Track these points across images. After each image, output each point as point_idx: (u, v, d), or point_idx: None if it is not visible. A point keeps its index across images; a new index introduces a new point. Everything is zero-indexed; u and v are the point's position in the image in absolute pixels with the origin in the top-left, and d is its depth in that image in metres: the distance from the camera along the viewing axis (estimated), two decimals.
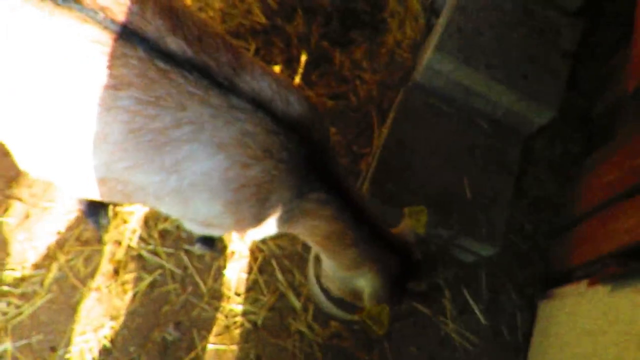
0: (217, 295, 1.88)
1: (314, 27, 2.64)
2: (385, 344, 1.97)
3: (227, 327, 1.84)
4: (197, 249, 1.90)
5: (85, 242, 1.90)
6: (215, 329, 1.83)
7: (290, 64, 2.52)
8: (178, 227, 1.96)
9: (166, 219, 1.97)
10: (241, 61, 1.14)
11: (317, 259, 1.77)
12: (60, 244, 1.89)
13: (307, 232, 1.35)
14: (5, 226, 1.88)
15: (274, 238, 1.98)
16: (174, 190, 1.16)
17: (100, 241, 1.90)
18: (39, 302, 1.78)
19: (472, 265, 2.19)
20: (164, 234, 1.95)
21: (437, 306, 2.07)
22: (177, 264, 1.91)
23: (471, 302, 2.09)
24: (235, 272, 1.93)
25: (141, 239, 1.92)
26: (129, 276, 1.86)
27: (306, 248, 2.02)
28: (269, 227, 1.32)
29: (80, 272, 1.85)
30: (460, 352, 2.04)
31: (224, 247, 1.94)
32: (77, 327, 1.77)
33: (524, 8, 2.27)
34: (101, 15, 1.01)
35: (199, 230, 1.46)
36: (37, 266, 1.84)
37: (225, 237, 1.95)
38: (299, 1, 2.68)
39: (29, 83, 1.03)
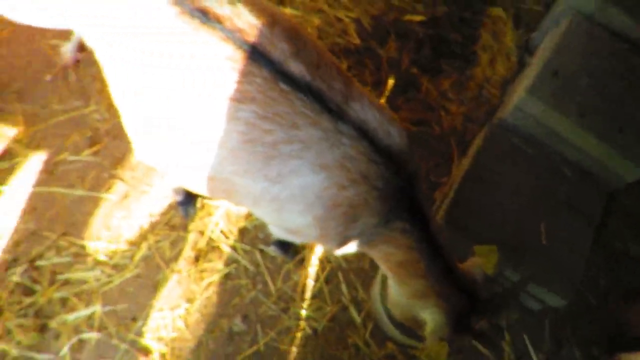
0: (283, 297, 1.99)
1: (405, 52, 2.71)
2: None
3: (289, 329, 1.94)
4: (272, 250, 2.03)
5: (173, 227, 2.08)
6: (278, 328, 1.93)
7: (379, 86, 2.61)
8: (256, 227, 2.10)
9: (247, 217, 2.11)
10: (352, 90, 1.24)
11: (385, 280, 1.84)
12: (152, 226, 2.08)
13: (383, 257, 1.42)
14: (107, 202, 2.10)
15: None
16: (273, 198, 1.27)
17: (186, 229, 2.07)
18: (127, 274, 1.97)
19: (537, 312, 2.15)
20: (243, 231, 2.09)
21: (496, 349, 2.07)
22: (251, 261, 2.04)
23: (531, 350, 2.07)
24: (303, 278, 2.03)
25: (222, 232, 2.08)
26: (207, 265, 2.02)
27: (373, 265, 2.08)
28: (349, 246, 1.40)
29: (165, 254, 2.02)
30: None
31: (296, 253, 2.05)
32: (157, 304, 1.94)
33: (626, 60, 2.22)
34: (237, 35, 1.15)
35: (281, 234, 1.58)
36: (129, 242, 2.04)
37: (299, 245, 2.06)
38: (393, 26, 2.77)
39: (167, 85, 1.19)
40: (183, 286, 1.97)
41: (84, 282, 1.95)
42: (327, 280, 2.04)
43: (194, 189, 1.43)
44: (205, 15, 1.16)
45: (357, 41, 2.69)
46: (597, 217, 2.13)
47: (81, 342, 1.86)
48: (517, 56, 2.88)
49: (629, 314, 2.16)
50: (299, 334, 1.93)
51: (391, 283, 1.60)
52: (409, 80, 2.66)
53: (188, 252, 2.03)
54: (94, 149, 2.20)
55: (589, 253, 2.05)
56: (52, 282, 1.94)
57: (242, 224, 2.10)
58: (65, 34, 2.34)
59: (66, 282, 1.94)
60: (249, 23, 1.18)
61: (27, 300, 1.90)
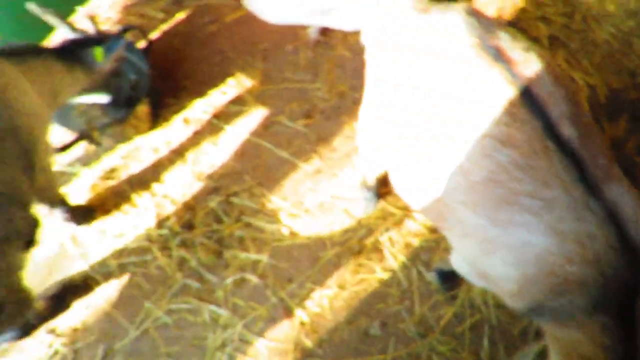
0: (425, 323, 2.02)
1: (634, 136, 2.51)
2: None
3: (419, 355, 1.96)
4: (431, 276, 2.06)
5: (348, 215, 2.22)
6: (409, 349, 1.97)
7: None
8: (423, 248, 2.14)
9: (417, 235, 2.16)
10: (613, 170, 1.20)
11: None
12: (330, 206, 2.24)
13: (565, 342, 1.36)
14: (301, 170, 2.30)
15: (499, 306, 2.01)
16: (487, 239, 1.29)
17: (359, 222, 2.20)
18: (297, 240, 2.16)
19: None
20: (408, 246, 2.15)
21: None
22: (407, 277, 2.09)
23: None
24: (450, 315, 2.03)
25: (389, 239, 2.16)
26: (366, 262, 2.12)
27: (522, 335, 2.00)
28: (536, 314, 1.37)
29: (334, 236, 2.17)
30: None
31: (452, 289, 2.05)
32: (312, 276, 2.10)
33: None
34: (522, 81, 1.18)
35: (463, 270, 1.59)
36: (307, 212, 2.23)
37: (459, 282, 2.05)
38: (631, 106, 2.57)
39: (437, 104, 1.27)
40: (339, 271, 2.10)
41: (262, 231, 2.18)
42: (472, 328, 2.01)
43: (410, 200, 1.51)
44: (498, 54, 1.21)
45: (585, 108, 2.56)
46: None
47: (242, 280, 2.09)
48: None
49: None
50: None
51: None
52: (627, 165, 2.45)
53: (354, 243, 2.15)
54: (307, 121, 2.42)
55: None
56: (237, 220, 2.20)
57: (410, 238, 2.15)
58: None
59: (248, 225, 2.19)
60: (536, 74, 1.20)
61: (215, 226, 2.19)
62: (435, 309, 2.05)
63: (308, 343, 1.98)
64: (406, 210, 2.18)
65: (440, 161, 1.30)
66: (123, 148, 2.36)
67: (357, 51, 2.59)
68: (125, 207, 2.24)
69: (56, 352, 1.96)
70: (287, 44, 2.62)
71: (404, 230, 2.18)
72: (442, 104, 1.26)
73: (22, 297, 1.56)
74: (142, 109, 2.25)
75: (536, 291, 1.28)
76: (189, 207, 2.23)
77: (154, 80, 2.26)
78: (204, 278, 2.09)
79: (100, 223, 2.21)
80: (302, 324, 2.02)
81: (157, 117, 2.41)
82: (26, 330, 1.91)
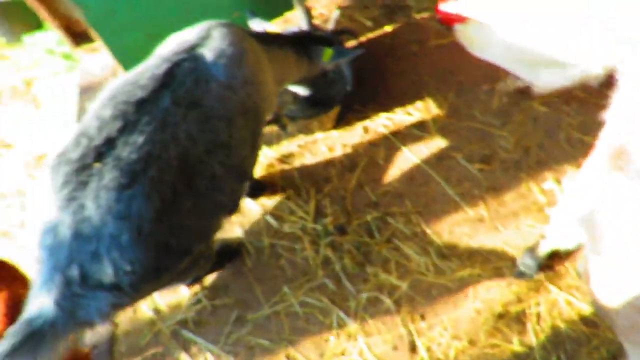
0: None
1: None
2: None
3: None
4: None
5: (499, 274, 2.13)
6: None
7: None
8: (570, 337, 1.99)
9: (568, 321, 2.01)
10: None
11: None
12: (482, 262, 2.18)
13: None
14: (464, 212, 2.26)
15: None
16: None
17: (510, 283, 2.10)
18: (441, 281, 2.13)
19: None
20: (554, 328, 2.01)
21: None
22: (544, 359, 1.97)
23: None
24: None
25: (536, 314, 2.04)
26: (505, 329, 2.02)
27: None
28: None
29: (479, 290, 2.11)
30: None
31: None
32: (446, 322, 2.06)
33: None
34: None
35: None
36: (458, 258, 2.18)
37: None
38: None
39: None
40: (474, 326, 2.03)
41: (408, 258, 2.18)
42: None
43: (594, 286, 1.40)
44: None
45: None
46: None
47: (377, 299, 2.12)
48: None
49: None
50: None
51: None
52: None
53: (498, 305, 2.07)
54: (483, 166, 2.36)
55: None
56: (388, 240, 2.23)
57: (559, 322, 2.01)
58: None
59: (396, 248, 2.21)
60: None
61: (365, 238, 2.24)
62: None
63: None
64: (565, 291, 2.04)
65: None
66: (303, 138, 2.51)
67: (555, 108, 2.47)
68: (290, 192, 2.38)
69: (199, 301, 2.16)
70: (485, 83, 2.57)
71: (555, 312, 2.04)
72: None
73: (210, 253, 1.75)
74: (334, 109, 2.37)
75: None
76: (347, 212, 2.31)
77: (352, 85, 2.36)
78: (341, 283, 2.16)
79: (265, 200, 2.38)
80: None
81: (342, 119, 2.52)
82: (195, 280, 2.14)
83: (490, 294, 2.09)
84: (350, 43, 2.72)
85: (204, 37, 1.58)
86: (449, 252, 2.19)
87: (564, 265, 2.11)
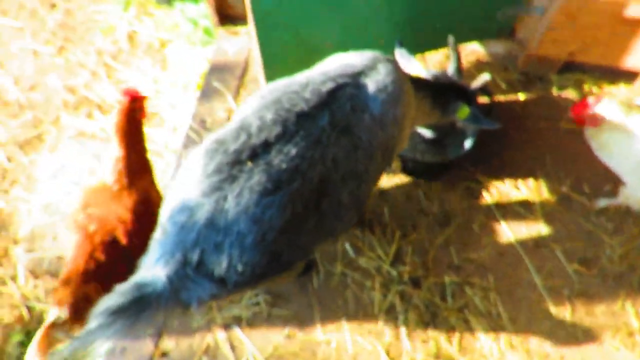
0: None
1: None
2: None
3: None
4: None
5: None
6: None
7: None
8: None
9: None
10: None
11: None
12: None
13: None
14: (544, 305, 2.13)
15: None
16: None
17: None
18: None
19: None
20: None
21: None
22: None
23: None
24: None
25: None
26: None
27: None
28: None
29: None
30: None
31: None
32: None
33: None
34: None
35: None
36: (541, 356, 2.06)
37: None
38: None
39: None
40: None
41: (475, 336, 2.08)
42: None
43: None
44: None
45: None
46: None
47: None
48: None
49: None
50: None
51: None
52: None
53: None
54: (581, 268, 2.21)
55: None
56: (459, 310, 2.14)
57: None
58: None
59: (466, 321, 2.11)
60: None
61: (437, 300, 2.15)
62: None
63: None
64: None
65: None
66: (402, 177, 2.47)
67: None
68: (377, 227, 2.34)
69: (258, 304, 2.17)
70: (607, 183, 2.41)
71: None
72: None
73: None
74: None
75: None
76: (426, 266, 2.24)
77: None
78: (399, 336, 2.09)
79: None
80: None
81: (448, 172, 2.46)
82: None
83: None
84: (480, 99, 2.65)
85: (370, 68, 1.59)
86: (519, 345, 2.06)
87: None
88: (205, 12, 3.01)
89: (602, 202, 2.32)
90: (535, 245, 2.28)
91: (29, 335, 2.27)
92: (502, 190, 2.42)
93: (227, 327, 2.12)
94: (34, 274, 2.42)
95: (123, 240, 1.68)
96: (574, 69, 2.71)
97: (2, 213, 2.63)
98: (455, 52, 2.03)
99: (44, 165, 2.76)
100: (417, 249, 2.28)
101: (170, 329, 2.12)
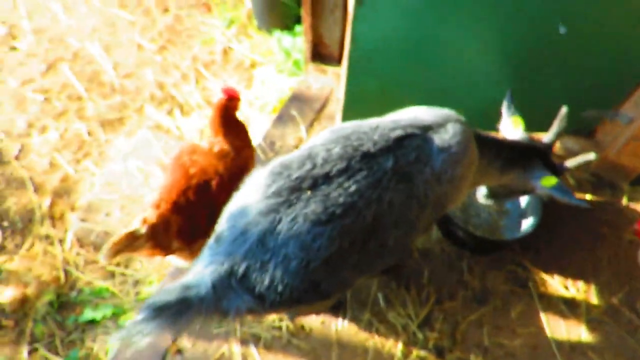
0: None
1: None
2: None
3: None
4: None
5: None
6: None
7: None
8: None
9: None
10: None
11: None
12: None
13: None
14: None
15: None
16: None
17: None
18: None
19: None
20: None
21: None
22: None
23: None
24: None
25: None
26: None
27: None
28: None
29: None
30: None
31: None
32: None
33: None
34: None
35: None
36: None
37: None
38: None
39: None
40: None
41: None
42: None
43: None
44: None
45: None
46: None
47: None
48: None
49: None
50: None
51: None
52: None
53: None
54: None
55: None
56: None
57: None
58: None
59: None
60: None
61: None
62: None
63: None
64: None
65: None
66: (446, 242, 2.46)
67: None
68: (413, 285, 2.32)
69: (280, 328, 2.17)
70: None
71: None
72: None
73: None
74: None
75: None
76: (454, 339, 2.17)
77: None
78: None
79: (386, 277, 2.35)
80: None
81: (497, 250, 2.42)
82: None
83: None
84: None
85: (439, 125, 1.64)
86: None
87: None
88: (300, 46, 3.20)
89: None
90: (572, 349, 2.17)
91: (59, 297, 2.37)
92: (548, 283, 2.35)
93: (244, 342, 2.12)
94: (80, 242, 2.54)
95: (214, 190, 1.86)
96: None
97: (69, 179, 2.80)
98: (560, 123, 1.99)
99: (118, 146, 2.95)
100: (449, 319, 2.23)
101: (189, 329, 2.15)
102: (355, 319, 2.22)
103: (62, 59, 3.31)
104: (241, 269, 1.30)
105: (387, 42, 2.10)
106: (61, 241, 2.55)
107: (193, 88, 3.21)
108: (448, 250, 2.44)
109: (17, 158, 2.86)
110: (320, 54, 3.01)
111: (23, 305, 2.37)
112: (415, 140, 1.55)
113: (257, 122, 3.03)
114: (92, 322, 2.27)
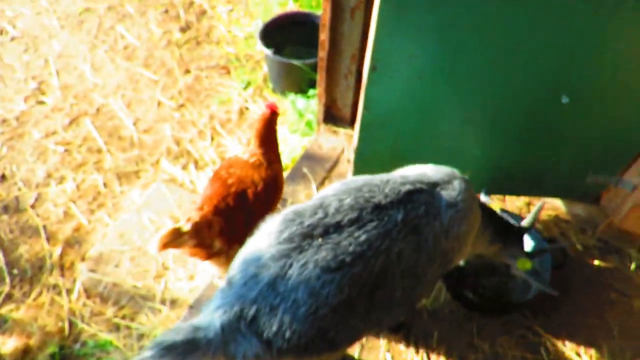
0: None
1: None
2: None
3: None
4: None
5: None
6: None
7: None
8: None
9: None
10: None
11: None
12: None
13: None
14: None
15: None
16: None
17: None
18: None
19: None
20: None
21: None
22: None
23: None
24: None
25: None
26: None
27: None
28: None
29: None
30: None
31: None
32: None
33: None
34: None
35: None
36: None
37: None
38: None
39: None
40: None
41: None
42: None
43: None
44: None
45: None
46: None
47: None
48: None
49: None
50: None
51: None
52: None
53: None
54: None
55: None
56: None
57: None
58: None
59: None
60: None
61: None
62: None
63: None
64: None
65: None
66: (456, 302, 2.44)
67: None
68: (422, 344, 2.29)
69: None
70: None
71: None
72: None
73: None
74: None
75: None
76: None
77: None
78: None
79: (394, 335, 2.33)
80: None
81: (506, 313, 2.40)
82: None
83: None
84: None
85: (446, 182, 1.71)
86: None
87: None
88: (313, 108, 3.34)
89: None
90: None
91: (62, 349, 2.34)
92: (559, 351, 2.30)
93: None
94: (88, 293, 2.54)
95: (250, 198, 2.09)
96: None
97: (81, 229, 2.85)
98: (537, 212, 2.13)
99: (132, 198, 3.02)
100: None
101: None
102: None
103: (86, 113, 3.47)
104: (251, 312, 1.31)
105: (398, 106, 2.21)
106: (69, 291, 2.56)
107: (208, 144, 3.32)
108: (457, 311, 2.42)
109: (32, 206, 2.93)
110: (332, 116, 3.14)
111: (24, 356, 2.34)
112: (423, 195, 1.60)
113: None
114: None
